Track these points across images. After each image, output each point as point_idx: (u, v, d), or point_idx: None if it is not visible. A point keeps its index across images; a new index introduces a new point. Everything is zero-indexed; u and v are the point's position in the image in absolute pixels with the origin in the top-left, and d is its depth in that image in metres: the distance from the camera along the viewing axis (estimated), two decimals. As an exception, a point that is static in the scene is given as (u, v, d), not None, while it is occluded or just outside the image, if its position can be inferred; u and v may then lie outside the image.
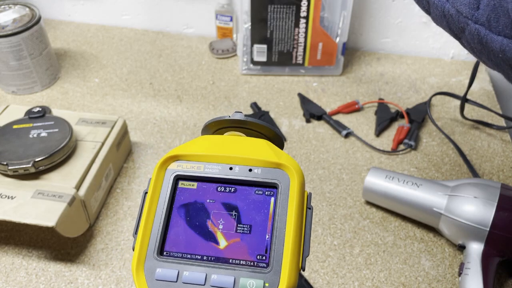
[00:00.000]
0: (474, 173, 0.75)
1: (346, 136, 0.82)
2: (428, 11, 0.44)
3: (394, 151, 0.79)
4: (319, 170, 0.77)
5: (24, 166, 0.63)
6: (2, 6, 0.90)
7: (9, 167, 0.63)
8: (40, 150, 0.65)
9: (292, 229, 0.34)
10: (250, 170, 0.36)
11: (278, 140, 0.41)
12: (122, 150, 0.76)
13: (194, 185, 0.37)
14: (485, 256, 0.59)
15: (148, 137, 0.82)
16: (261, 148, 0.37)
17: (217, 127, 0.41)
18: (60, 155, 0.66)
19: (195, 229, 0.35)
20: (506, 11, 0.34)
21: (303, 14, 0.88)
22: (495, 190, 0.60)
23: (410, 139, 0.80)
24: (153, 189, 0.36)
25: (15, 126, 0.69)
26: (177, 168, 0.37)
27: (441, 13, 0.42)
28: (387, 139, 0.82)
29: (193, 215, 0.36)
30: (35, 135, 0.67)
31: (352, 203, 0.71)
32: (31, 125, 0.69)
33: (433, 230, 0.68)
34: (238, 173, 0.36)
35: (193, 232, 0.35)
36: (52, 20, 1.13)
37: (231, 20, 1.01)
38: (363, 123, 0.85)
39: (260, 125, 0.39)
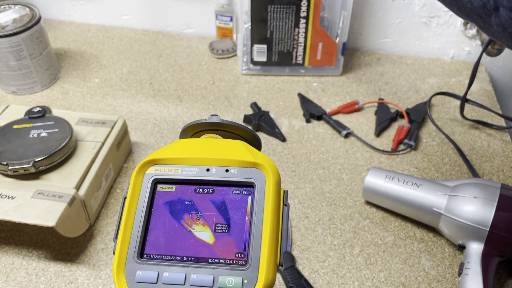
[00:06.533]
0: (474, 173, 0.75)
1: (346, 136, 0.82)
2: None
3: (394, 151, 0.79)
4: (319, 170, 0.77)
5: (24, 166, 0.63)
6: (2, 6, 0.90)
7: (9, 167, 0.63)
8: (40, 150, 0.65)
9: (269, 226, 0.34)
10: (227, 170, 0.37)
11: (255, 140, 0.42)
12: (122, 150, 0.76)
13: (172, 188, 0.37)
14: (485, 256, 0.59)
15: (148, 137, 0.82)
16: (237, 149, 0.38)
17: (194, 130, 0.42)
18: (60, 155, 0.66)
19: (174, 231, 0.36)
20: None
21: (303, 14, 0.88)
22: (495, 190, 0.60)
23: (410, 139, 0.80)
24: (132, 194, 0.37)
25: (15, 126, 0.69)
26: (155, 172, 0.38)
27: None
28: (387, 139, 0.82)
29: (172, 217, 0.36)
30: (35, 135, 0.67)
31: (352, 203, 0.71)
32: (31, 125, 0.69)
33: (433, 230, 0.68)
34: (215, 174, 0.37)
35: (172, 233, 0.36)
36: (52, 20, 1.13)
37: (231, 20, 1.01)
38: (363, 123, 0.85)
39: (236, 126, 0.40)
